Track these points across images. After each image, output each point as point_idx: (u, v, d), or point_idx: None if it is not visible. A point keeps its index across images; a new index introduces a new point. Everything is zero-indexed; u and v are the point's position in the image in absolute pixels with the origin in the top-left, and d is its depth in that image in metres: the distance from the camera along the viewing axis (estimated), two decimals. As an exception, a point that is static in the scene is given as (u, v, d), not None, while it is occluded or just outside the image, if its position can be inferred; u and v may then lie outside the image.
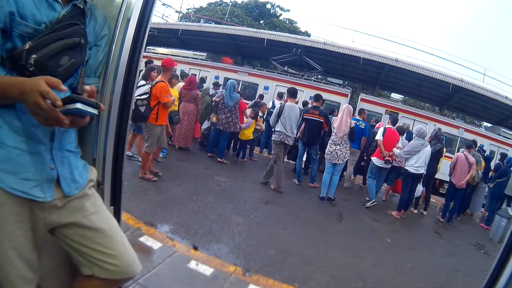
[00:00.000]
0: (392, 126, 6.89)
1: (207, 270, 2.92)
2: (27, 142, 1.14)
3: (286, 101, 6.37)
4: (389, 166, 6.70)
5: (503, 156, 8.52)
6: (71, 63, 1.21)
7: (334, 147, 6.07)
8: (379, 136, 6.68)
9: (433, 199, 7.53)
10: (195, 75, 13.00)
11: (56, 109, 1.01)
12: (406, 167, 6.35)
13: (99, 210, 1.37)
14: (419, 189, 7.00)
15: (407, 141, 6.98)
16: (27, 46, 1.10)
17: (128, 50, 1.46)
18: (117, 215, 1.62)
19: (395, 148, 6.55)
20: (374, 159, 6.77)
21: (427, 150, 6.26)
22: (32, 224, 1.21)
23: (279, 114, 6.08)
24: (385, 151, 6.52)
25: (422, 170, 6.27)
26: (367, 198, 6.61)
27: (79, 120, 1.12)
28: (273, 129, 6.32)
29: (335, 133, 6.07)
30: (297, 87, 12.78)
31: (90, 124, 1.46)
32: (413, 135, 6.48)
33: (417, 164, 6.19)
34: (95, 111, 1.08)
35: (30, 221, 1.20)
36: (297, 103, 6.59)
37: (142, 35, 1.51)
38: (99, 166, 1.51)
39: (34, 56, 1.10)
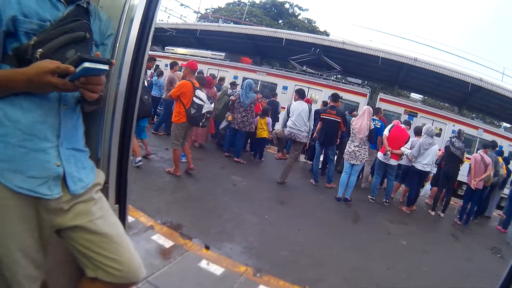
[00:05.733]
0: (403, 125, 6.80)
1: (217, 270, 2.91)
2: (32, 140, 1.14)
3: (296, 100, 6.54)
4: (394, 162, 6.60)
5: None
6: (77, 56, 1.21)
7: (353, 148, 5.99)
8: (385, 132, 6.66)
9: (451, 201, 7.32)
10: (214, 75, 13.07)
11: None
12: (413, 164, 6.49)
13: (105, 215, 1.37)
14: (427, 188, 6.86)
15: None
16: (32, 41, 1.12)
17: (132, 49, 1.46)
18: (122, 214, 1.62)
19: (403, 148, 6.48)
20: (379, 154, 6.75)
21: (435, 148, 6.45)
22: (38, 225, 1.22)
23: (288, 113, 6.34)
24: (390, 147, 6.47)
25: (429, 168, 6.46)
26: (370, 194, 6.80)
27: (95, 79, 1.14)
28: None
29: (355, 134, 5.98)
30: (316, 87, 12.92)
31: (94, 122, 1.49)
32: (422, 133, 6.58)
33: (424, 162, 6.40)
34: (105, 67, 1.09)
35: (36, 222, 1.22)
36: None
37: (146, 35, 1.51)
38: (104, 165, 1.52)
39: (40, 50, 1.11)
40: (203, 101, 5.24)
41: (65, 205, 1.25)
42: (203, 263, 2.97)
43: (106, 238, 1.32)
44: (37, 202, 1.18)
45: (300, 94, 6.60)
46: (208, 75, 11.62)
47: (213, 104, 5.69)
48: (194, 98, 5.13)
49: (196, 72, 5.80)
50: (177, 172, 5.25)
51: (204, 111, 5.25)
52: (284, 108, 9.22)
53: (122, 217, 1.62)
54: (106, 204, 1.43)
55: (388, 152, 6.45)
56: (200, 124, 5.34)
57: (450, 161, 6.72)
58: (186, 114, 5.12)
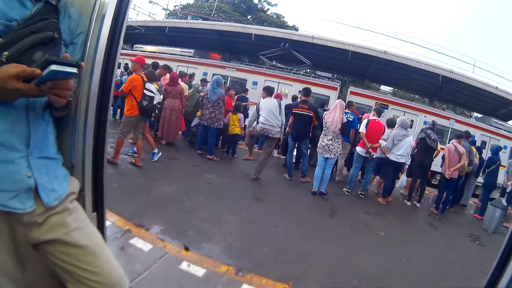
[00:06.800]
0: (376, 118, 6.89)
1: (199, 271, 2.86)
2: (1, 150, 1.07)
3: (264, 98, 6.62)
4: (373, 156, 6.74)
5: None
6: (44, 58, 1.13)
7: (327, 142, 6.04)
8: (362, 129, 6.75)
9: (426, 190, 7.55)
10: (184, 72, 12.87)
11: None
12: (388, 155, 6.65)
13: (81, 225, 1.30)
14: (403, 179, 7.01)
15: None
16: None
17: (103, 47, 1.38)
18: (100, 221, 1.54)
19: (381, 140, 6.66)
20: (358, 148, 6.85)
21: (409, 140, 6.63)
22: (13, 240, 1.16)
23: (257, 110, 6.44)
24: (369, 143, 6.59)
25: (403, 159, 6.66)
26: (346, 187, 6.88)
27: (63, 83, 1.07)
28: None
29: (328, 127, 6.04)
30: (286, 82, 12.99)
31: (67, 127, 1.40)
32: (396, 125, 6.76)
33: (398, 153, 6.58)
34: (73, 70, 1.02)
35: (11, 238, 1.15)
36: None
37: (118, 32, 1.43)
38: (79, 171, 1.43)
39: (5, 53, 1.04)
40: (153, 93, 5.68)
41: (39, 218, 1.18)
42: (184, 265, 2.91)
43: (83, 250, 1.26)
44: (10, 216, 1.12)
45: (268, 92, 6.64)
46: (177, 72, 11.41)
47: (161, 95, 6.87)
48: (145, 91, 5.49)
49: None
50: (115, 159, 5.37)
51: (155, 102, 5.76)
52: (253, 103, 9.25)
53: (101, 224, 1.54)
54: (82, 214, 1.36)
55: (370, 150, 6.58)
56: (152, 115, 5.86)
57: (425, 152, 6.88)
58: (139, 106, 5.40)
